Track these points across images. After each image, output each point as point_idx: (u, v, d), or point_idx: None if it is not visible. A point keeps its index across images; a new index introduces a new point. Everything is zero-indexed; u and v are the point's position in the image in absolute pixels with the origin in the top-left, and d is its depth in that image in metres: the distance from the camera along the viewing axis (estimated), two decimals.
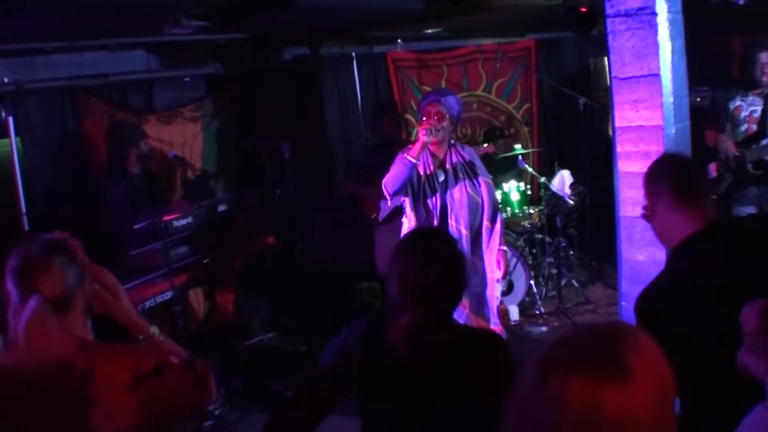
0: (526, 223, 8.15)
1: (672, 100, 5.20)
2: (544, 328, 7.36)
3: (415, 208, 5.39)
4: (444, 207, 5.35)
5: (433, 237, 2.90)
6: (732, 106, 6.44)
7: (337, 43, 8.49)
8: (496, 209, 5.64)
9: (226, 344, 6.81)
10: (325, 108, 8.72)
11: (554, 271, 8.17)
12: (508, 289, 7.59)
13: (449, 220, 5.33)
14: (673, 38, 5.19)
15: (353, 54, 8.64)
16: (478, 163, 5.56)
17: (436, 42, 9.33)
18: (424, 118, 5.27)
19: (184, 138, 7.60)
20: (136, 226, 5.61)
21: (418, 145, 5.15)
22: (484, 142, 8.70)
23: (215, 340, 6.62)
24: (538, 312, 7.69)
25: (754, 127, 6.31)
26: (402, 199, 5.45)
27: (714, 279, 2.73)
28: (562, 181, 7.90)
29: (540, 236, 8.30)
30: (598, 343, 1.46)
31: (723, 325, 2.65)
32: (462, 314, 5.37)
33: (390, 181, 5.25)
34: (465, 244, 5.28)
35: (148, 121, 7.25)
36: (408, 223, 5.46)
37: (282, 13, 5.60)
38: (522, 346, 6.88)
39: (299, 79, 8.31)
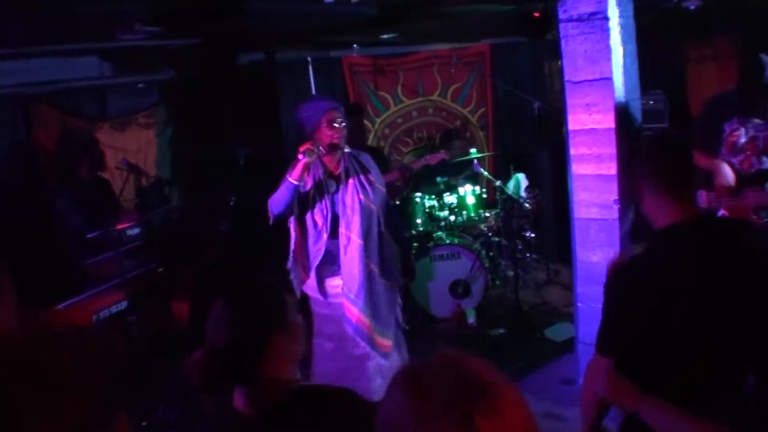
0: (482, 227, 8.19)
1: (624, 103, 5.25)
2: (501, 330, 7.38)
3: (302, 221, 5.28)
4: (335, 216, 5.23)
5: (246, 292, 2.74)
6: (728, 128, 5.41)
7: (293, 48, 8.47)
8: (391, 217, 5.54)
9: (183, 354, 6.76)
10: (281, 113, 8.68)
11: (511, 273, 8.20)
12: (466, 292, 7.62)
13: (339, 228, 5.22)
14: (624, 43, 5.23)
15: (309, 59, 8.63)
16: (374, 170, 5.41)
17: (392, 47, 9.34)
18: (335, 125, 5.11)
19: (138, 145, 7.55)
20: (89, 235, 5.55)
21: (299, 166, 4.95)
22: (441, 147, 8.73)
23: (171, 350, 6.56)
24: (495, 314, 7.71)
25: (755, 160, 5.32)
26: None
27: (679, 274, 2.74)
28: (518, 184, 7.95)
29: (496, 239, 8.34)
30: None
31: (683, 316, 2.70)
32: (363, 332, 5.33)
33: (274, 202, 5.10)
34: (354, 251, 5.20)
35: (101, 128, 7.19)
36: (292, 234, 5.34)
37: (235, 19, 5.57)
38: (480, 349, 6.91)
39: (254, 84, 8.27)
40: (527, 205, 8.04)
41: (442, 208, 8.15)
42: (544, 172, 9.23)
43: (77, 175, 6.29)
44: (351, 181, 5.22)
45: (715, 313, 2.67)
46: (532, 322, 7.47)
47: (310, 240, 5.29)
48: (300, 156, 4.93)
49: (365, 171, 5.31)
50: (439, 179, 8.50)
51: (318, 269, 5.31)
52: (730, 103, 5.35)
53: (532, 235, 8.71)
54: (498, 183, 7.97)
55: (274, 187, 5.11)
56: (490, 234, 8.18)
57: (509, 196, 7.88)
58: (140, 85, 7.65)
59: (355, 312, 5.24)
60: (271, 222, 5.26)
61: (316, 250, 5.27)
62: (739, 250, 2.79)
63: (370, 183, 5.29)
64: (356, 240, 5.16)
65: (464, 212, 8.23)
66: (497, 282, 8.38)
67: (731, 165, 5.28)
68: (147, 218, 6.01)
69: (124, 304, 5.57)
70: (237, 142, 7.41)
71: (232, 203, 7.23)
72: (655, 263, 2.83)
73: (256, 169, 7.66)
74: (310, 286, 5.38)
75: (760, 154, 5.24)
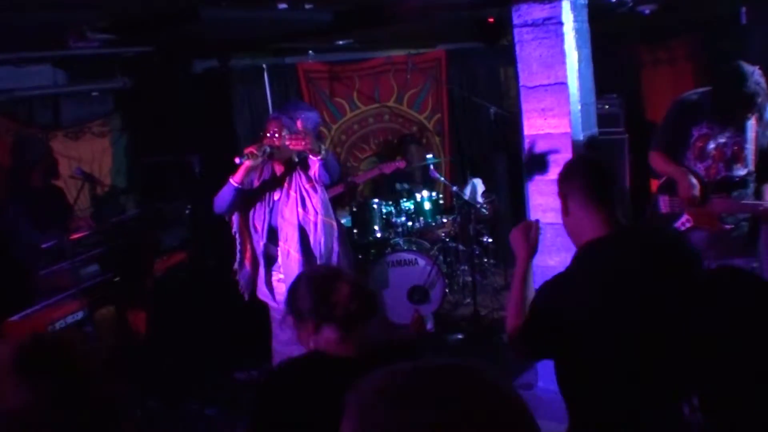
0: (439, 232, 8.20)
1: (579, 108, 5.29)
2: (460, 336, 7.39)
3: (246, 221, 5.29)
4: (272, 228, 5.22)
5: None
6: (696, 133, 5.16)
7: (248, 55, 8.43)
8: (332, 232, 5.39)
9: (140, 363, 6.70)
10: (236, 120, 8.65)
11: (469, 278, 8.21)
12: (424, 298, 7.62)
13: (279, 241, 5.21)
14: (579, 47, 5.28)
15: (264, 65, 8.59)
16: (319, 181, 5.26)
17: (348, 53, 9.33)
18: (267, 135, 5.14)
19: (92, 154, 7.47)
20: (43, 245, 5.48)
21: (241, 169, 5.00)
22: (398, 153, 8.74)
23: (128, 360, 6.50)
24: (453, 320, 7.72)
25: (721, 167, 5.13)
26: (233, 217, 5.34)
27: (608, 288, 2.84)
28: (474, 189, 7.96)
29: (454, 245, 8.35)
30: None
31: (609, 329, 2.75)
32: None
33: (216, 201, 5.14)
34: (294, 265, 5.15)
35: (56, 137, 7.11)
36: (236, 234, 5.35)
37: (188, 27, 5.53)
38: (437, 355, 6.91)
39: (209, 91, 8.23)
40: (484, 210, 8.06)
41: (399, 214, 8.15)
42: (500, 177, 9.26)
43: (30, 184, 6.22)
44: (293, 194, 5.18)
45: (643, 324, 2.73)
46: (491, 326, 7.49)
47: (254, 242, 5.29)
48: (237, 160, 4.93)
49: (312, 183, 5.24)
50: (397, 186, 8.50)
51: (264, 272, 5.32)
52: (702, 107, 5.14)
53: (490, 240, 8.73)
54: (455, 188, 7.98)
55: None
56: (447, 239, 8.19)
57: (466, 202, 7.89)
58: (94, 94, 7.57)
59: None
60: (227, 218, 5.31)
61: (258, 254, 5.31)
62: (665, 259, 2.90)
63: (312, 197, 5.22)
64: (295, 255, 5.12)
65: (421, 218, 8.23)
66: (455, 287, 8.40)
67: (695, 172, 5.14)
68: (102, 227, 5.94)
69: (80, 315, 5.50)
70: (192, 149, 7.36)
71: (187, 211, 7.18)
72: (585, 278, 2.93)
73: (212, 177, 7.61)
74: (260, 288, 5.41)
75: (728, 162, 5.11)
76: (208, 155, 7.40)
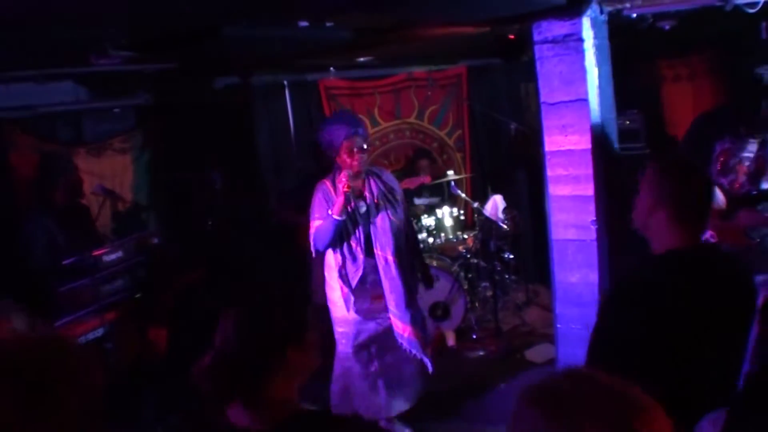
0: (460, 248, 8.18)
1: (600, 124, 5.27)
2: (481, 353, 7.36)
3: (339, 243, 5.29)
4: (368, 237, 5.26)
5: None
6: (719, 147, 5.23)
7: (269, 72, 8.45)
8: (413, 231, 5.71)
9: (161, 380, 6.70)
10: (257, 137, 8.66)
11: (490, 294, 8.19)
12: (445, 314, 7.59)
13: (375, 250, 5.25)
14: (599, 64, 5.26)
15: (285, 82, 8.61)
16: (397, 187, 5.47)
17: (369, 70, 9.33)
18: (354, 152, 5.10)
19: (114, 170, 7.49)
20: (64, 262, 5.49)
21: (340, 201, 5.01)
22: (413, 165, 8.78)
23: (149, 377, 6.50)
24: (474, 336, 7.70)
25: (746, 180, 5.14)
26: None
27: (681, 300, 2.71)
28: (495, 205, 7.94)
29: (475, 261, 8.33)
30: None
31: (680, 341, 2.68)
32: (404, 338, 5.33)
33: (319, 239, 5.18)
34: (393, 271, 5.21)
35: (78, 153, 7.14)
36: (334, 259, 5.35)
37: (210, 44, 5.55)
38: (460, 372, 6.89)
39: (231, 108, 8.25)
40: (505, 226, 8.04)
41: (420, 230, 8.14)
42: (521, 193, 9.25)
43: (54, 201, 6.25)
44: (380, 201, 5.26)
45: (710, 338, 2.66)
46: (512, 343, 7.45)
47: (348, 261, 5.30)
48: (342, 186, 4.97)
49: (390, 189, 5.35)
50: (416, 201, 8.50)
51: (357, 288, 5.33)
52: (725, 122, 5.13)
53: (511, 256, 8.70)
54: (476, 204, 7.97)
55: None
56: (468, 256, 8.17)
57: (487, 218, 7.87)
58: (116, 110, 7.61)
59: (406, 327, 5.26)
60: (314, 255, 5.38)
61: (354, 270, 5.30)
62: (733, 278, 2.81)
63: (396, 201, 5.33)
64: (392, 259, 5.20)
65: (442, 234, 8.23)
66: (476, 304, 8.36)
67: (721, 186, 5.08)
68: (123, 244, 5.95)
69: (100, 332, 5.50)
70: (213, 165, 7.38)
71: (209, 226, 7.19)
72: (655, 289, 2.77)
73: (233, 193, 7.63)
74: (343, 304, 5.41)
75: (752, 176, 5.05)
76: (229, 171, 7.41)
